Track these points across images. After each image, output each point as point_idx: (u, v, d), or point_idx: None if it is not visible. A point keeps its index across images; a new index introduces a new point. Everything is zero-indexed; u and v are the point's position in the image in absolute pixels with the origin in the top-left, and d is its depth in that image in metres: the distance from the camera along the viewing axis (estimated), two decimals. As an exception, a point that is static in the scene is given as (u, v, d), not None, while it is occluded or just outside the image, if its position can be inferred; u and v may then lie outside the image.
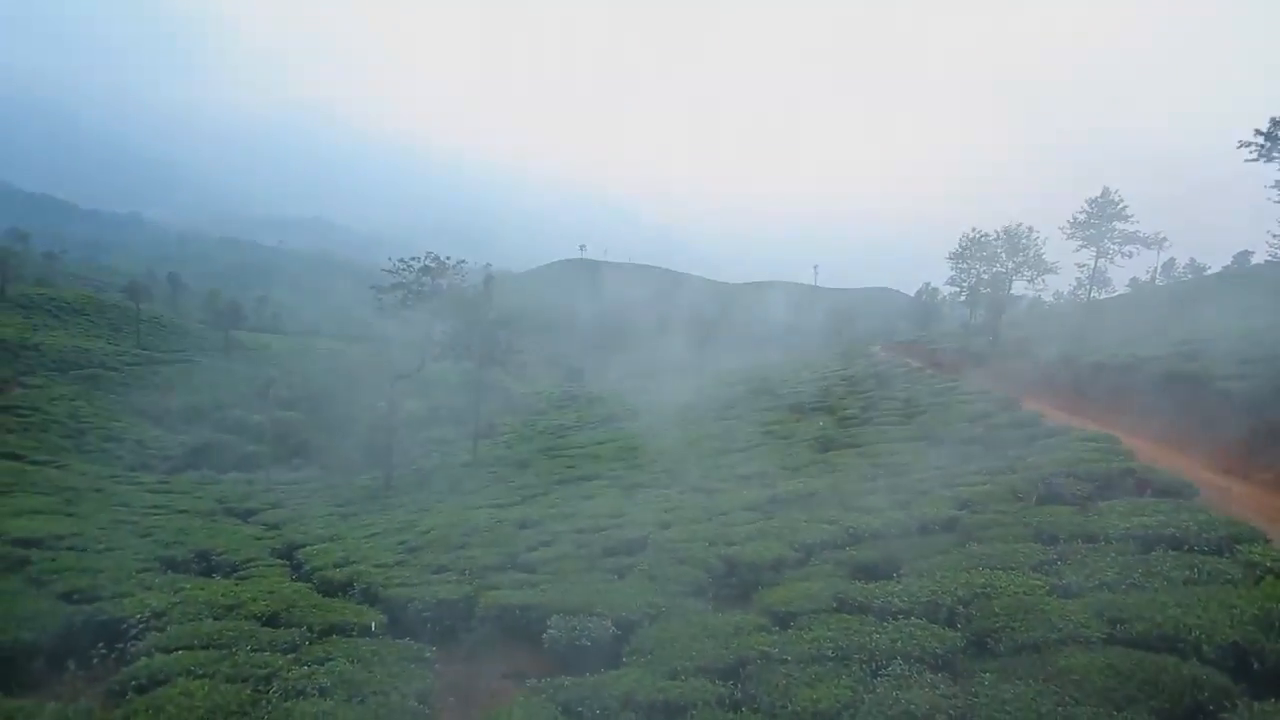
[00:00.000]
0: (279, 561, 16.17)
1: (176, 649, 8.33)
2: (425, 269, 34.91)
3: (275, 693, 7.05)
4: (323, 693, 7.04)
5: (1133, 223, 55.68)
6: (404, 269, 35.45)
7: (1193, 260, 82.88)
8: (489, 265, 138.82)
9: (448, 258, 35.76)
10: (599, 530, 16.51)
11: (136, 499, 25.31)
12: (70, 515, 18.72)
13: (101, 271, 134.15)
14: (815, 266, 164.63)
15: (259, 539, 19.19)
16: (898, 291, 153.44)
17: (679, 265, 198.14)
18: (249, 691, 7.02)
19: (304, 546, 17.66)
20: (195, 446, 43.71)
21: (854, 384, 40.35)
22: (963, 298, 70.90)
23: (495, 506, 23.22)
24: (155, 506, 24.09)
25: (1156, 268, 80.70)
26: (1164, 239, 68.08)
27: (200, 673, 7.44)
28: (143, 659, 8.01)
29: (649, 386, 56.43)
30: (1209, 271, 74.87)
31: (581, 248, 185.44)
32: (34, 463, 30.32)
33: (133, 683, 7.33)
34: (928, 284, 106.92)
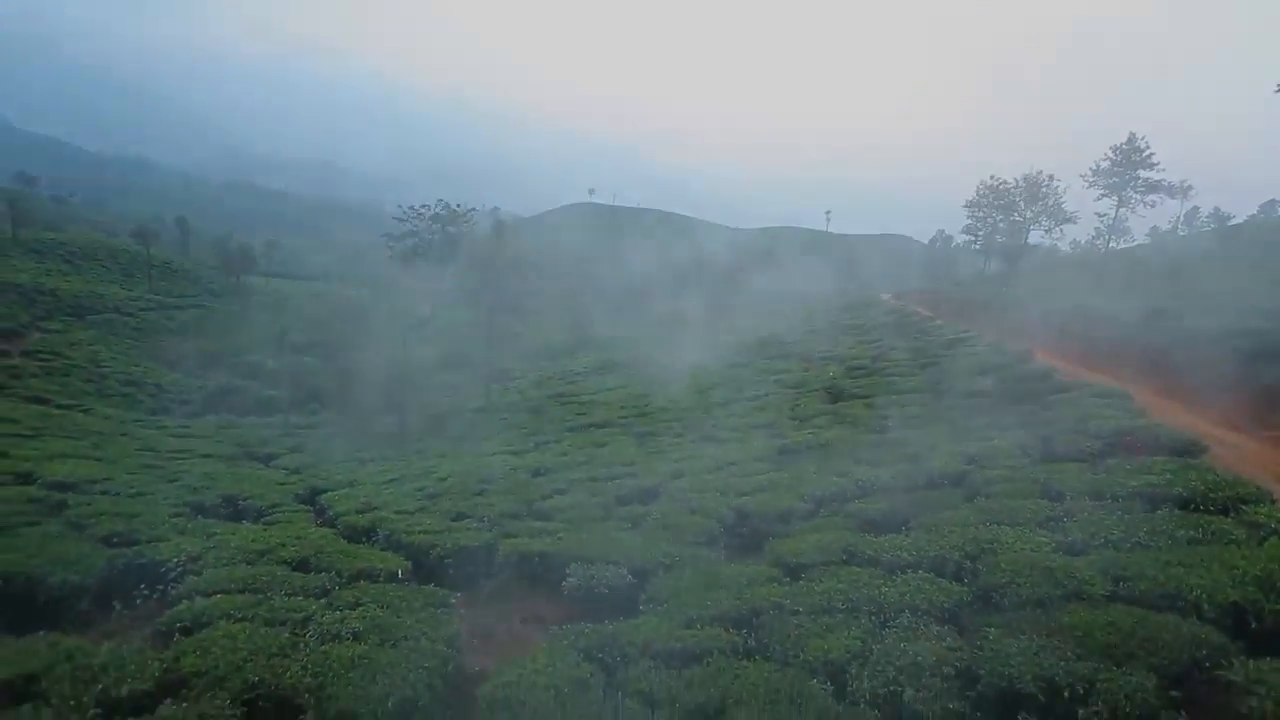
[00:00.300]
0: (303, 507, 16.70)
1: (215, 593, 8.72)
2: (436, 217, 34.69)
3: (311, 636, 7.41)
4: (356, 637, 7.39)
5: (1158, 171, 54.22)
6: (415, 217, 35.22)
7: (1217, 209, 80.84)
8: (497, 209, 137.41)
9: (458, 205, 35.47)
10: (612, 479, 16.90)
11: (160, 443, 25.96)
12: (99, 460, 19.29)
13: (109, 216, 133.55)
14: (827, 212, 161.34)
15: (282, 484, 19.74)
16: (911, 239, 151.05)
17: (688, 210, 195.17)
18: (287, 635, 7.39)
19: (326, 492, 18.22)
20: (213, 391, 44.43)
21: (864, 333, 40.27)
22: (977, 246, 69.92)
23: (509, 453, 23.69)
24: (179, 451, 24.73)
25: (1179, 216, 78.91)
26: (1189, 187, 66.35)
27: (239, 616, 7.81)
28: (184, 602, 8.42)
29: (659, 333, 56.47)
30: (1233, 221, 73.13)
31: (590, 191, 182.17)
32: (60, 407, 31.04)
33: (178, 624, 7.73)
34: (942, 231, 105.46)
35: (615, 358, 53.41)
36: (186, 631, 7.56)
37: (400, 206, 35.62)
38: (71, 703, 5.85)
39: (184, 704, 5.91)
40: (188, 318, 60.25)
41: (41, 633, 7.11)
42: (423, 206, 34.45)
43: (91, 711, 5.80)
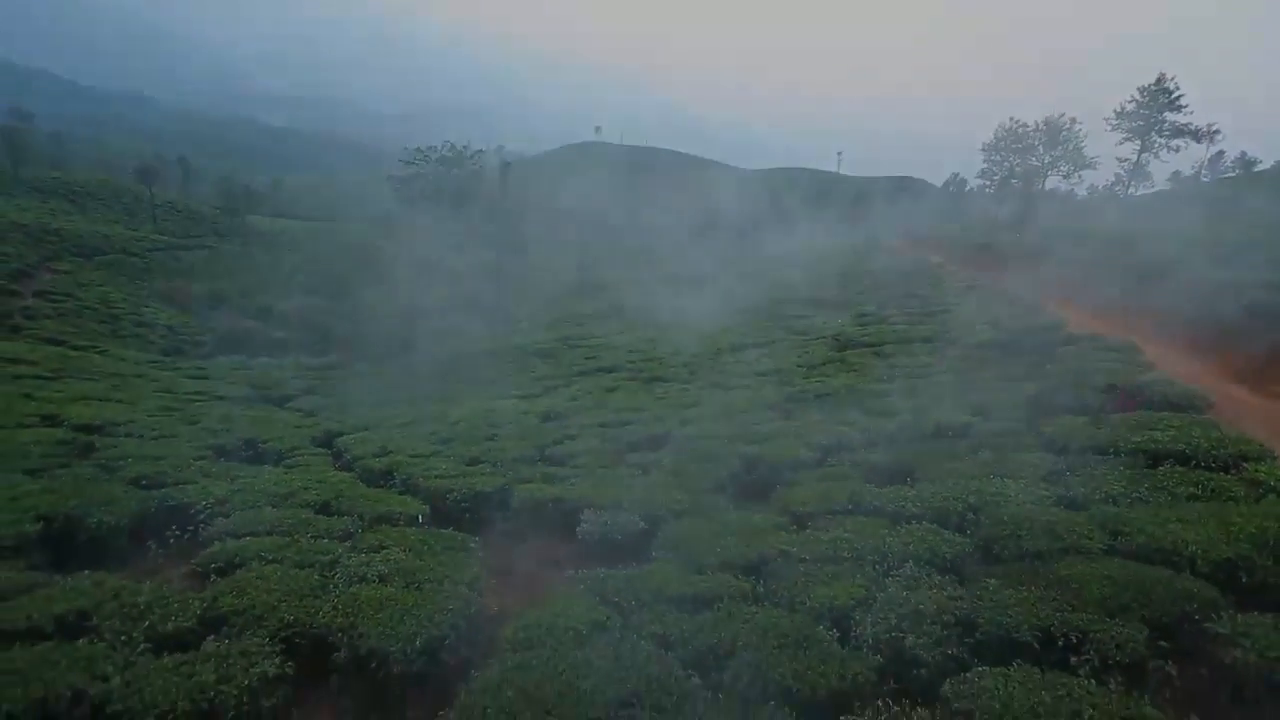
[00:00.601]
0: (320, 450, 17.06)
1: (244, 535, 9.11)
2: (443, 159, 34.11)
3: (340, 578, 7.77)
4: (382, 579, 7.74)
5: (1186, 114, 52.38)
6: (421, 159, 34.64)
7: (1243, 154, 78.12)
8: (502, 147, 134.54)
9: (465, 146, 34.82)
10: (622, 425, 17.15)
11: (177, 385, 26.34)
12: (121, 402, 19.67)
13: (108, 153, 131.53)
14: (839, 153, 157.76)
15: (299, 427, 20.07)
16: (924, 181, 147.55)
17: (697, 148, 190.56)
18: (317, 576, 7.75)
19: (342, 435, 18.59)
20: (223, 333, 44.76)
21: (873, 279, 40.01)
22: (991, 190, 68.49)
23: (519, 397, 23.93)
24: (196, 392, 25.11)
25: (1203, 161, 76.51)
26: (1216, 131, 64.05)
27: (270, 558, 8.17)
28: (216, 543, 8.80)
29: (667, 277, 56.17)
30: (1260, 167, 70.91)
31: (597, 129, 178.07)
32: (75, 348, 31.37)
33: (212, 565, 8.12)
34: (956, 175, 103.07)
35: (623, 301, 53.31)
36: (221, 572, 7.95)
37: (406, 148, 35.08)
38: (122, 638, 6.24)
39: (226, 640, 6.30)
40: (194, 258, 60.16)
41: (86, 572, 7.49)
42: (429, 148, 33.92)
43: (141, 646, 6.19)
